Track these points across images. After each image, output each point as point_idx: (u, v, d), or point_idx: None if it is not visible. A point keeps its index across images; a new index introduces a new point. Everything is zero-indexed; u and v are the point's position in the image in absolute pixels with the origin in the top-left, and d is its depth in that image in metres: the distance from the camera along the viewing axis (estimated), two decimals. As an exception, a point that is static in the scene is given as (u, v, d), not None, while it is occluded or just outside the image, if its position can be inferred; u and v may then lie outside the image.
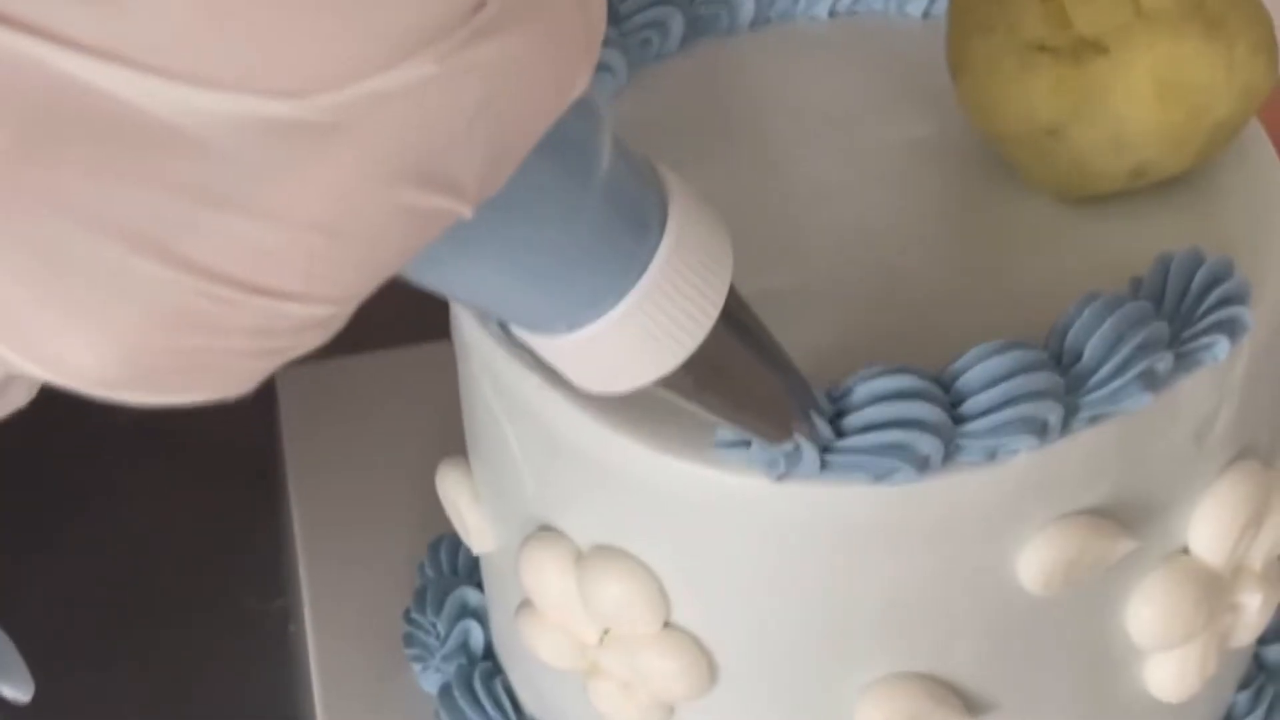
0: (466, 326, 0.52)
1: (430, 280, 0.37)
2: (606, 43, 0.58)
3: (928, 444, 0.46)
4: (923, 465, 0.46)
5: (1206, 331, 0.48)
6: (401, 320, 0.80)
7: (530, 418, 0.51)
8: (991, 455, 0.46)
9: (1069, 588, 0.48)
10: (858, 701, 0.50)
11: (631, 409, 0.48)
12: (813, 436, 0.45)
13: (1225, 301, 0.48)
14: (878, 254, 0.53)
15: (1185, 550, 0.51)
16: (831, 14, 0.62)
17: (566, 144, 0.36)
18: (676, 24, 0.60)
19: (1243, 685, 0.59)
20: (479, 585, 0.65)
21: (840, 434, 0.46)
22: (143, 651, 0.70)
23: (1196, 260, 0.49)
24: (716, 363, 0.42)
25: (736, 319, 0.42)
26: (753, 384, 0.44)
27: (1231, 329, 0.48)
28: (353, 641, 0.67)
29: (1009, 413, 0.46)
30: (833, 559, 0.48)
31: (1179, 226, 0.53)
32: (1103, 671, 0.53)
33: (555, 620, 0.53)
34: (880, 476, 0.46)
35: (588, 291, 0.39)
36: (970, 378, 0.46)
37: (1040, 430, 0.46)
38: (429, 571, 0.67)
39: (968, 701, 0.51)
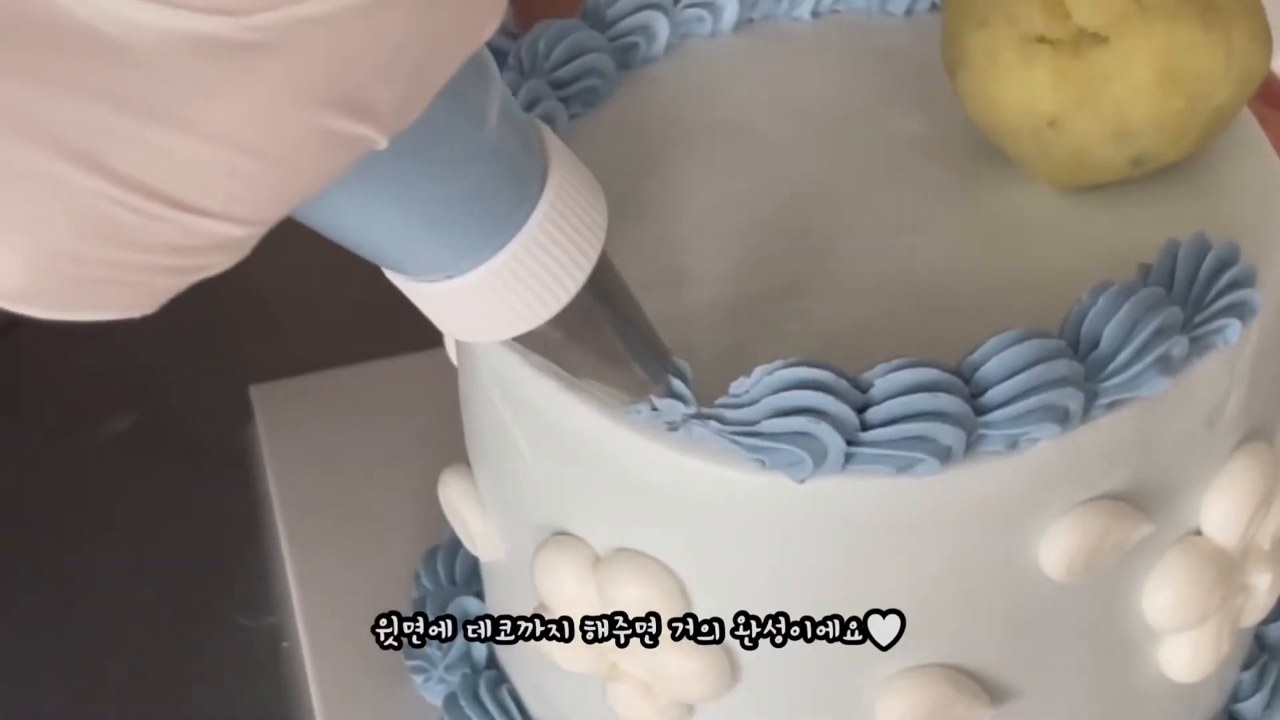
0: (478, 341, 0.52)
1: (321, 217, 0.38)
2: (596, 49, 0.59)
3: (950, 435, 0.46)
4: (945, 457, 0.46)
5: (1217, 315, 0.48)
6: (372, 334, 0.81)
7: (544, 423, 0.50)
8: (1013, 444, 0.47)
9: (1089, 573, 0.49)
10: (879, 695, 0.51)
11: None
12: (668, 397, 0.47)
13: (1234, 285, 0.49)
14: (881, 250, 0.53)
15: (1198, 532, 0.52)
16: (814, 14, 0.62)
17: (464, 91, 0.38)
18: (662, 28, 0.61)
19: (1245, 665, 0.60)
20: (478, 594, 0.65)
21: (863, 427, 0.46)
22: (133, 674, 0.69)
23: (1204, 246, 0.49)
24: (583, 320, 0.43)
25: (604, 281, 0.43)
26: (615, 343, 0.45)
27: (1241, 312, 0.49)
28: (350, 656, 0.67)
29: (1031, 401, 0.46)
30: (855, 553, 0.49)
31: (1178, 213, 0.53)
32: (1119, 655, 0.53)
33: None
34: (903, 469, 0.46)
35: (469, 240, 0.40)
36: (990, 368, 0.46)
37: (1062, 418, 0.46)
38: (426, 583, 0.66)
39: (989, 690, 0.51)
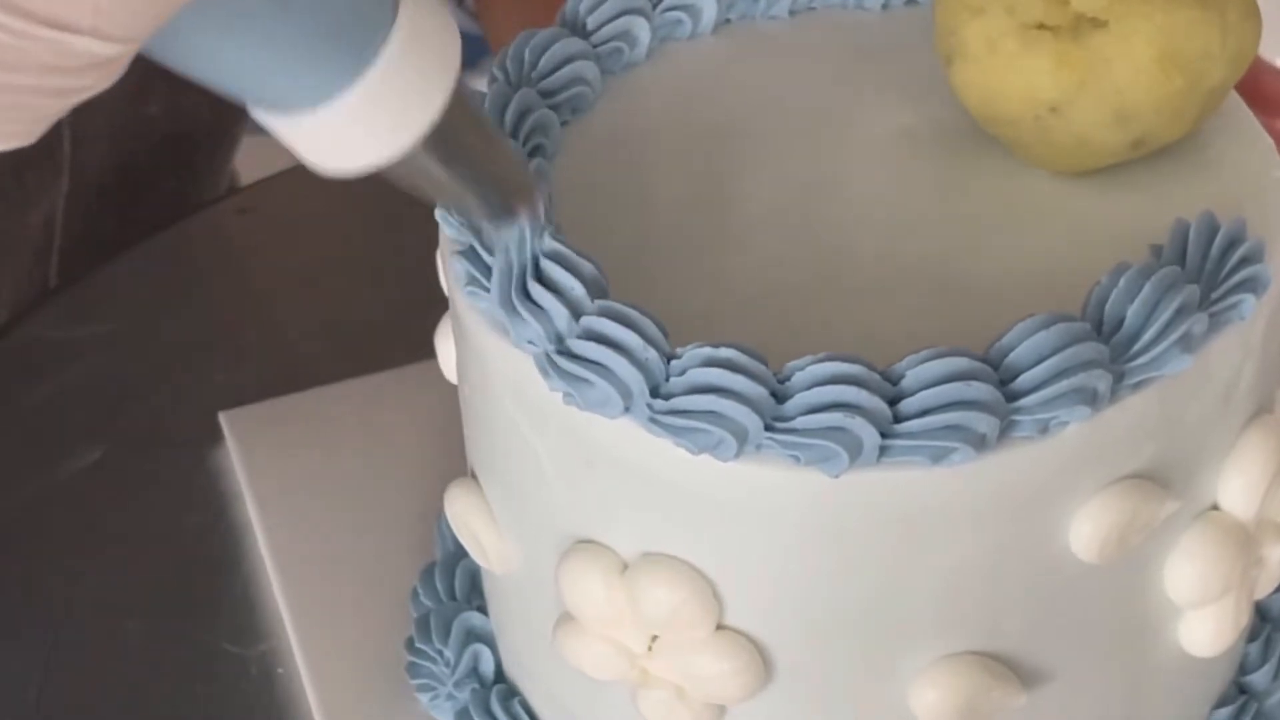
0: (491, 350, 0.51)
1: (182, 49, 0.39)
2: (581, 56, 0.59)
3: (984, 423, 0.46)
4: (980, 444, 0.46)
5: (1232, 291, 0.49)
6: (334, 357, 0.80)
7: (564, 432, 0.50)
8: (1044, 429, 0.47)
9: (1120, 554, 0.49)
10: (912, 685, 0.51)
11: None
12: (535, 215, 0.49)
13: (1245, 261, 0.49)
14: (888, 243, 0.53)
15: (1215, 507, 0.52)
16: (791, 12, 0.62)
17: None
18: (643, 32, 0.60)
19: (1251, 637, 0.60)
20: (480, 608, 0.64)
21: (895, 419, 0.46)
22: (127, 711, 0.68)
23: (1213, 224, 0.50)
24: (453, 140, 0.45)
25: (466, 102, 0.45)
26: (480, 163, 0.47)
27: (1254, 286, 0.49)
28: (351, 678, 0.66)
29: (1061, 385, 0.46)
30: (888, 546, 0.49)
31: (1176, 192, 0.54)
32: (1142, 635, 0.54)
33: (601, 633, 0.52)
34: (938, 459, 0.46)
35: (332, 65, 0.41)
36: (1019, 354, 0.47)
37: (1091, 400, 0.47)
38: (425, 600, 0.66)
39: (1020, 676, 0.51)
